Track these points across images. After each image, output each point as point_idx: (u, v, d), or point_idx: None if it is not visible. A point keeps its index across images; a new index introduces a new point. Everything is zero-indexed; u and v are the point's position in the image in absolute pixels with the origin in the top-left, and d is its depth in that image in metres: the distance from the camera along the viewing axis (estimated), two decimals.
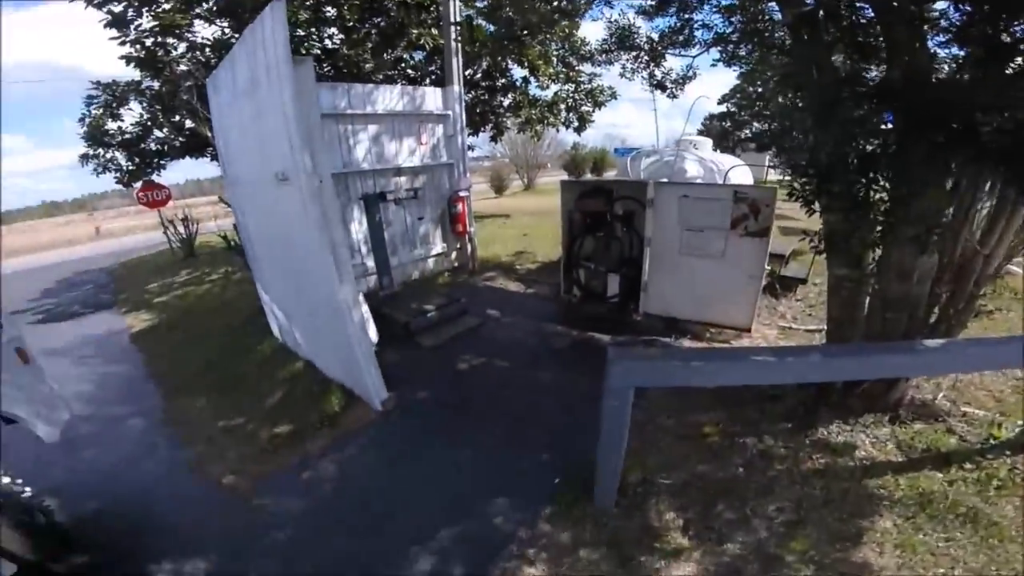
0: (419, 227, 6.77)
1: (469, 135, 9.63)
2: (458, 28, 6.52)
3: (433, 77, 9.41)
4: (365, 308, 3.61)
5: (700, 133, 17.68)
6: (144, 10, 6.84)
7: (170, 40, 7.18)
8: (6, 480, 2.47)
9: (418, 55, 9.25)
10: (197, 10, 7.03)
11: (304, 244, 3.24)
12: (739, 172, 6.20)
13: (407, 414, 3.61)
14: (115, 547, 2.58)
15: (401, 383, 3.87)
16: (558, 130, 11.33)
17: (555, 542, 2.40)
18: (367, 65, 8.00)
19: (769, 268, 4.77)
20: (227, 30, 7.32)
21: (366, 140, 5.97)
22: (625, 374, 2.11)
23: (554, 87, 10.55)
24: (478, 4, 9.00)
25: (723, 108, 24.20)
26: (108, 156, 9.73)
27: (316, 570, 2.36)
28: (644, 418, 3.16)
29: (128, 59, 7.17)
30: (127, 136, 9.51)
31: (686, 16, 3.81)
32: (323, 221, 2.99)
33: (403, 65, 9.46)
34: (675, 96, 5.70)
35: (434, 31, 8.07)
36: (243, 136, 3.82)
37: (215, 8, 7.07)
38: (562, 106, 10.80)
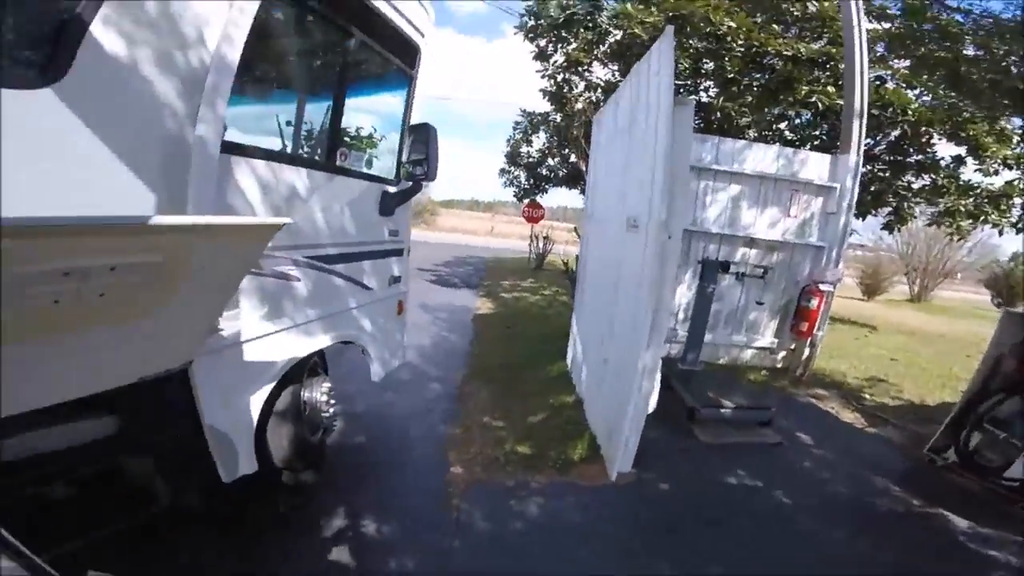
0: (750, 311, 5.93)
1: (854, 217, 7.84)
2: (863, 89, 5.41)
3: (815, 143, 8.12)
4: (657, 376, 3.29)
5: None
6: (559, 47, 8.27)
7: (574, 78, 8.50)
8: (324, 397, 2.81)
9: (804, 115, 8.13)
10: (596, 52, 7.98)
11: (629, 295, 3.15)
12: None
13: (637, 500, 3.07)
14: (335, 482, 2.92)
15: (652, 466, 3.36)
16: (1001, 232, 7.93)
17: None
18: (742, 120, 7.54)
19: None
20: (616, 74, 8.17)
21: (723, 200, 5.53)
22: None
23: (1009, 174, 7.49)
24: (895, 64, 7.26)
25: None
26: (515, 173, 12.63)
27: None
28: None
29: (544, 92, 8.93)
30: (530, 160, 12.07)
31: None
32: (657, 280, 2.80)
33: (783, 125, 8.50)
34: None
35: (830, 89, 6.93)
36: (609, 174, 4.03)
37: (608, 51, 7.91)
38: (1017, 201, 7.60)
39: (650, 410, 3.27)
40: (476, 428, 3.83)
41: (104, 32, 1.29)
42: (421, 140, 2.94)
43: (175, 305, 1.25)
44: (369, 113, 3.16)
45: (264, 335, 2.12)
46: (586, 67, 8.24)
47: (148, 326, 1.26)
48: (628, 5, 7.07)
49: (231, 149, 1.80)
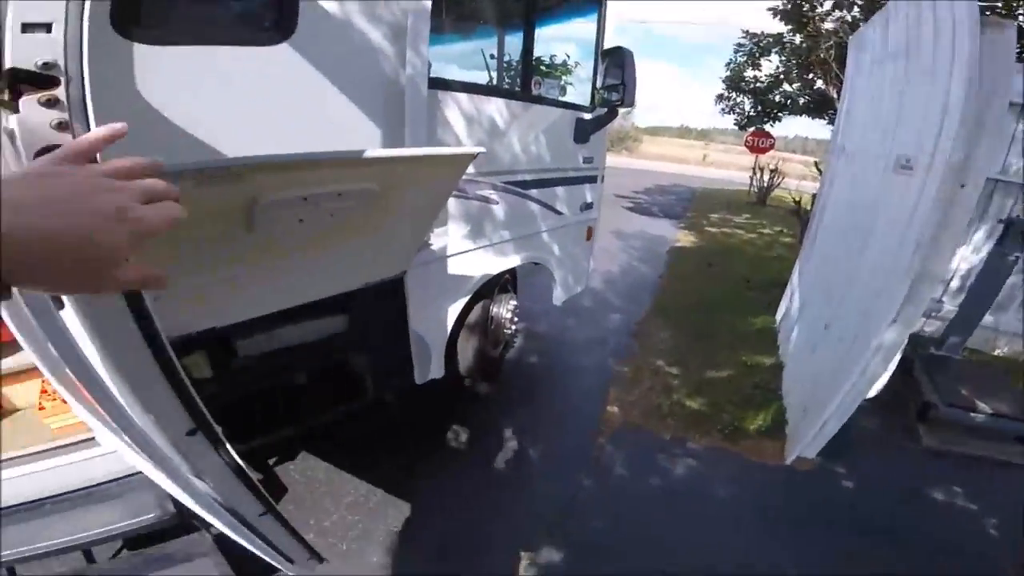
0: None
1: None
2: None
3: None
4: (896, 357, 2.62)
5: None
6: None
7: None
8: (509, 315, 2.97)
9: None
10: None
11: (883, 252, 2.49)
12: None
13: (804, 490, 2.61)
14: (503, 396, 3.13)
15: (844, 458, 2.79)
16: None
17: None
18: None
19: None
20: None
21: None
22: None
23: None
24: None
25: None
26: (737, 100, 10.92)
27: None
28: None
29: (775, 11, 7.36)
30: (758, 85, 10.25)
31: None
32: (931, 238, 2.13)
33: None
34: None
35: None
36: (873, 104, 3.16)
37: None
38: None
39: (870, 395, 2.67)
40: (646, 370, 3.67)
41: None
42: (616, 65, 2.74)
43: (391, 223, 1.42)
44: (561, 40, 3.02)
45: (465, 251, 2.33)
46: None
47: (370, 241, 1.46)
48: None
49: (436, 85, 1.89)
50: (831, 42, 6.76)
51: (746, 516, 2.43)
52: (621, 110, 2.97)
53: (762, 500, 2.56)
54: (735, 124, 11.66)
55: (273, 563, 1.51)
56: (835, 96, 6.35)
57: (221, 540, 1.62)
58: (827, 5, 7.09)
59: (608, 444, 2.84)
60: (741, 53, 10.22)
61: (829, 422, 2.59)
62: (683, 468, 2.73)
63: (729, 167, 25.79)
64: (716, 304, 5.06)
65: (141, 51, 1.04)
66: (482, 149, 1.31)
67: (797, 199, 7.32)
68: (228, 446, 1.08)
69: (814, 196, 5.31)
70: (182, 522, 1.66)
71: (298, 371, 2.04)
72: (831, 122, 9.07)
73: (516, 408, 3.10)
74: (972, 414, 3.16)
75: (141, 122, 1.01)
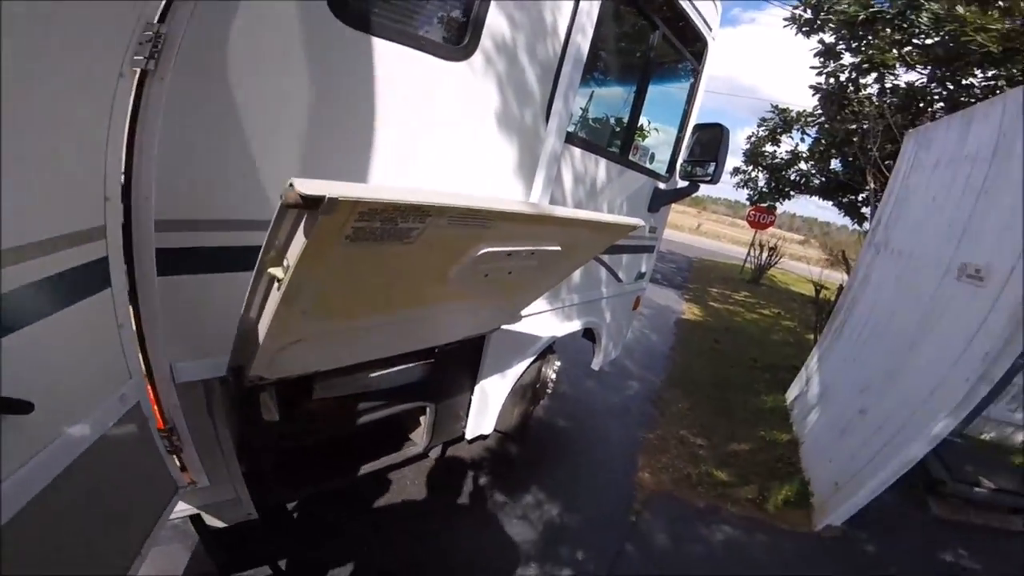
0: None
1: None
2: None
3: None
4: None
5: None
6: (852, 44, 7.05)
7: (867, 80, 7.20)
8: (554, 376, 3.08)
9: None
10: (900, 52, 6.60)
11: (939, 356, 2.65)
12: None
13: (836, 554, 2.89)
14: (535, 459, 3.19)
15: (865, 527, 3.06)
16: None
17: None
18: None
19: None
20: (949, 82, 6.61)
21: None
22: None
23: None
24: None
25: None
26: (752, 175, 11.37)
27: None
28: None
29: (816, 89, 7.78)
30: (775, 161, 10.67)
31: None
32: (1000, 350, 2.29)
33: None
34: None
35: None
36: (934, 206, 3.37)
37: (920, 55, 6.43)
38: None
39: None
40: (672, 440, 3.84)
41: (497, 17, 1.53)
42: (708, 141, 2.79)
43: (537, 282, 1.45)
44: (652, 107, 3.18)
45: (542, 311, 2.37)
46: (889, 70, 6.95)
47: (508, 297, 1.48)
48: (959, 8, 5.62)
49: (570, 139, 1.99)
50: (877, 129, 6.71)
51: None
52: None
53: (800, 563, 2.79)
54: (748, 199, 11.97)
55: None
56: (872, 183, 6.49)
57: None
58: (873, 89, 7.39)
59: (644, 511, 2.96)
60: (764, 127, 10.55)
61: (861, 497, 2.87)
62: (720, 535, 2.90)
63: (721, 238, 26.94)
64: (727, 381, 5.33)
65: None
66: (640, 222, 1.37)
67: (819, 285, 7.18)
68: None
69: (841, 286, 5.58)
70: None
71: (365, 416, 1.98)
72: (840, 206, 9.46)
73: (552, 471, 3.12)
74: (976, 489, 3.65)
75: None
